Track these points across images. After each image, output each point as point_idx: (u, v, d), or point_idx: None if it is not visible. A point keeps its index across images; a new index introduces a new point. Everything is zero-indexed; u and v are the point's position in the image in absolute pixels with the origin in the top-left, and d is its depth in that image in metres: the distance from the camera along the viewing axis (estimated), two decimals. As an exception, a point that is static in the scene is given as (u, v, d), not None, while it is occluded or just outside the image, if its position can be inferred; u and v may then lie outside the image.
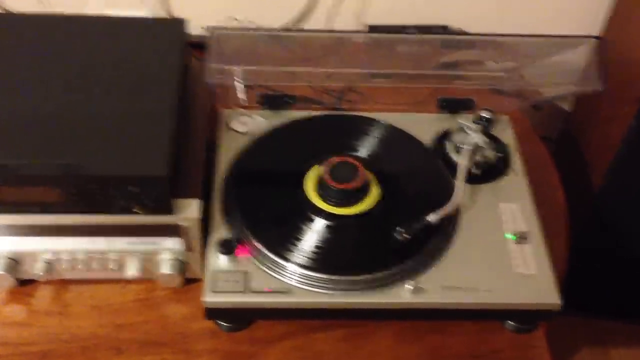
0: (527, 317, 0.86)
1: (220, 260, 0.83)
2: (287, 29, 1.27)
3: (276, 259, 0.83)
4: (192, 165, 0.86)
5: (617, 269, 1.42)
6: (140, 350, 0.82)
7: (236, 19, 1.27)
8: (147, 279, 0.87)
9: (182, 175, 0.83)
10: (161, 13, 1.28)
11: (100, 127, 0.79)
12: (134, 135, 0.79)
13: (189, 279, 0.88)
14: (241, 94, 0.98)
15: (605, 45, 0.86)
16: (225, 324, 0.84)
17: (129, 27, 0.95)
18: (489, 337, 0.87)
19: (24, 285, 0.87)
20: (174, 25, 0.96)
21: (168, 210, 0.79)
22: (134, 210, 0.78)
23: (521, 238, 0.89)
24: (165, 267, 0.84)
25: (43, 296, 0.86)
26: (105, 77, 0.86)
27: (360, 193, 0.89)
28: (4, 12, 1.20)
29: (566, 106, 1.47)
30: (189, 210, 0.81)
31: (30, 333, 0.83)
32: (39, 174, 0.75)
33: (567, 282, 0.95)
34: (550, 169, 1.10)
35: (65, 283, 0.87)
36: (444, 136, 1.00)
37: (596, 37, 0.87)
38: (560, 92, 1.01)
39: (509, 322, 0.88)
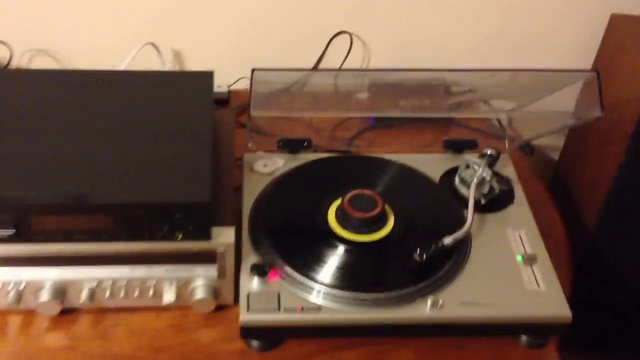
0: (540, 331, 0.92)
1: (254, 283, 0.89)
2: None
3: (305, 280, 0.89)
4: (225, 198, 0.93)
5: (616, 306, 1.47)
6: (178, 369, 0.87)
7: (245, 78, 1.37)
8: (179, 307, 0.93)
9: (217, 207, 0.89)
10: (176, 69, 1.38)
11: (147, 166, 0.87)
12: (177, 171, 0.86)
13: (218, 307, 0.93)
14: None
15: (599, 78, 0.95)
16: (256, 344, 0.89)
17: (162, 79, 1.04)
18: (505, 353, 0.92)
19: (64, 314, 0.91)
20: (203, 77, 1.04)
21: (207, 236, 0.85)
22: (177, 236, 0.84)
23: (530, 259, 0.95)
24: (200, 293, 0.90)
25: (83, 323, 0.91)
26: (146, 124, 0.94)
27: (378, 221, 0.96)
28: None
29: (555, 155, 1.57)
30: (225, 236, 0.87)
31: (75, 356, 0.87)
32: (96, 203, 0.81)
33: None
34: (548, 205, 1.18)
35: (102, 312, 0.93)
36: (451, 172, 1.08)
37: (593, 71, 0.96)
38: (561, 124, 1.09)
39: (523, 337, 0.93)
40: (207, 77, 1.04)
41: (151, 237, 0.85)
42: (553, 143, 1.57)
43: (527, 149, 1.34)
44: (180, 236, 0.85)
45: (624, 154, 1.23)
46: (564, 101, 1.03)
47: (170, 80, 1.03)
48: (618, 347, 1.58)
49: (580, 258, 1.37)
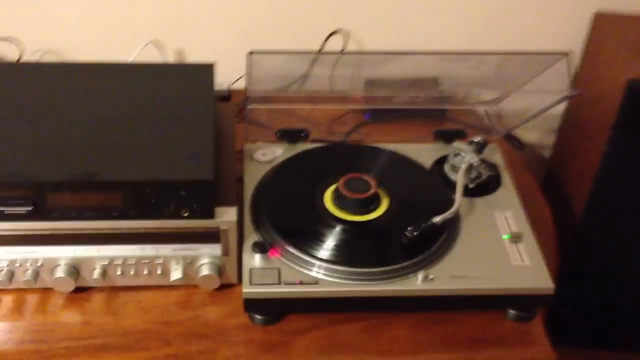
0: (525, 303, 0.97)
1: (256, 259, 0.95)
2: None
3: (304, 257, 0.95)
4: (227, 183, 0.99)
5: (603, 298, 1.52)
6: (186, 341, 0.93)
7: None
8: (186, 285, 0.98)
9: (220, 189, 0.95)
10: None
11: (153, 148, 0.94)
12: (182, 152, 0.93)
13: (223, 285, 0.99)
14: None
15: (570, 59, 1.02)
16: (259, 317, 0.95)
17: (166, 71, 1.10)
18: (493, 326, 0.98)
19: (78, 292, 0.97)
20: (205, 69, 1.11)
21: (211, 214, 0.91)
22: (183, 214, 0.90)
23: (515, 238, 1.01)
24: (206, 270, 0.96)
25: (96, 300, 0.97)
26: (152, 112, 1.01)
27: (372, 203, 1.02)
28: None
29: (546, 152, 1.63)
30: (228, 215, 0.93)
31: (90, 330, 0.93)
32: (107, 180, 0.88)
33: (557, 314, 1.06)
34: (537, 195, 1.24)
35: (113, 290, 0.98)
36: (442, 160, 1.14)
37: (564, 53, 1.03)
38: (541, 107, 1.15)
39: (510, 311, 0.98)
40: (208, 68, 1.10)
41: (159, 215, 0.90)
42: (544, 141, 1.63)
43: (517, 145, 1.40)
44: (186, 214, 0.91)
45: (607, 143, 1.29)
46: (544, 87, 1.09)
47: (173, 71, 1.11)
48: (607, 339, 1.63)
49: (569, 254, 1.42)
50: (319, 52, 1.39)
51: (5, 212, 0.87)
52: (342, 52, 1.40)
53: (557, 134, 1.59)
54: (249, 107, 1.05)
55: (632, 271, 1.46)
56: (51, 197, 0.87)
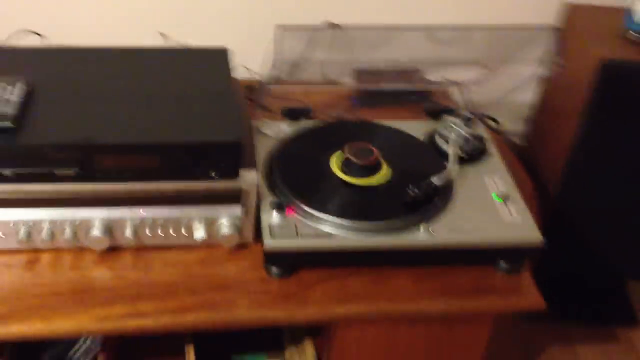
0: (517, 254, 1.08)
1: (274, 217, 1.04)
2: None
3: (318, 214, 1.04)
4: (246, 148, 1.08)
5: (574, 275, 1.64)
6: (210, 291, 1.02)
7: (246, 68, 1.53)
8: (205, 245, 1.08)
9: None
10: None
11: (185, 117, 1.03)
12: (211, 119, 1.03)
13: (240, 245, 1.08)
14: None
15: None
16: (276, 270, 1.04)
17: (187, 54, 1.21)
18: (488, 278, 1.09)
19: (109, 252, 1.06)
20: (219, 52, 1.21)
21: (236, 174, 1.01)
22: (211, 174, 1.00)
23: (505, 198, 1.12)
24: (227, 229, 1.05)
25: (126, 258, 1.06)
26: (180, 87, 1.11)
27: (375, 168, 1.12)
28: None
29: (521, 138, 1.75)
30: (249, 177, 1.03)
31: (123, 282, 1.02)
32: (148, 143, 0.98)
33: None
34: (516, 165, 1.35)
35: (140, 250, 1.07)
36: (434, 133, 1.25)
37: (553, 26, 1.14)
38: (529, 76, 1.26)
39: (502, 264, 1.09)
40: (222, 52, 1.20)
41: (190, 175, 1.00)
42: (519, 128, 1.75)
43: (492, 122, 1.51)
44: (214, 174, 1.00)
45: (580, 124, 1.40)
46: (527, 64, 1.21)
47: (194, 55, 1.20)
48: (576, 314, 1.75)
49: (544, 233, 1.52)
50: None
51: (56, 173, 0.96)
52: (359, 27, 1.49)
53: (531, 119, 1.70)
54: (269, 86, 1.14)
55: (604, 249, 1.58)
56: (98, 159, 0.96)
